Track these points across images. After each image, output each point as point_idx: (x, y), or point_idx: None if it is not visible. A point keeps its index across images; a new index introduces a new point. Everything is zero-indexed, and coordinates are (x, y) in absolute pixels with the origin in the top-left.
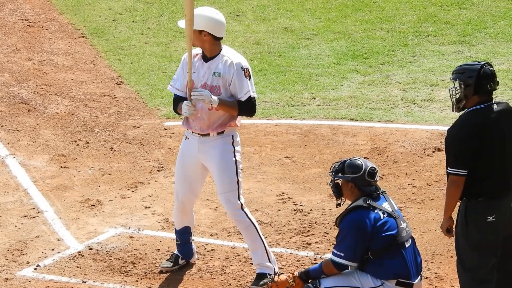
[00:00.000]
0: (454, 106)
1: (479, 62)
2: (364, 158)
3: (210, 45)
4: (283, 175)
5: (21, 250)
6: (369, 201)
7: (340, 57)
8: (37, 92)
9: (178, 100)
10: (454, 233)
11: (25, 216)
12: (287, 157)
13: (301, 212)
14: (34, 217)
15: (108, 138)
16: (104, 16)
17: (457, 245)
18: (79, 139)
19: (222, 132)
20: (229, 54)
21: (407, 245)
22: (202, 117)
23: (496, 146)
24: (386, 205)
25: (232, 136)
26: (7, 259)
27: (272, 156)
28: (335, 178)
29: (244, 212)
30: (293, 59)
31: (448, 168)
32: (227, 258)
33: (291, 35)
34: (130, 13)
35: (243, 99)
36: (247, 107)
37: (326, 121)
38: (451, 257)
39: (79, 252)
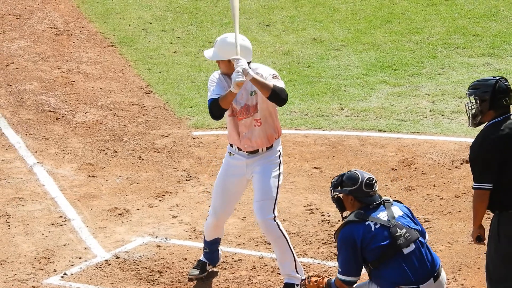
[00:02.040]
0: (470, 121)
1: (494, 77)
2: (392, 169)
3: None
4: (311, 186)
5: (48, 258)
6: (360, 213)
7: (369, 68)
8: (66, 101)
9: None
10: (486, 245)
11: (52, 225)
12: (315, 167)
13: (328, 222)
14: (61, 225)
15: (136, 147)
16: (133, 25)
17: (488, 258)
18: (107, 148)
19: (271, 146)
20: (258, 69)
21: (406, 252)
22: (249, 136)
23: None
24: (382, 215)
25: (279, 149)
26: (34, 267)
27: (300, 166)
28: (335, 193)
29: (277, 223)
30: (322, 70)
31: (474, 184)
32: (254, 268)
33: (320, 45)
34: (160, 22)
35: (273, 82)
36: (278, 87)
37: (355, 132)
38: (478, 268)
39: (106, 260)
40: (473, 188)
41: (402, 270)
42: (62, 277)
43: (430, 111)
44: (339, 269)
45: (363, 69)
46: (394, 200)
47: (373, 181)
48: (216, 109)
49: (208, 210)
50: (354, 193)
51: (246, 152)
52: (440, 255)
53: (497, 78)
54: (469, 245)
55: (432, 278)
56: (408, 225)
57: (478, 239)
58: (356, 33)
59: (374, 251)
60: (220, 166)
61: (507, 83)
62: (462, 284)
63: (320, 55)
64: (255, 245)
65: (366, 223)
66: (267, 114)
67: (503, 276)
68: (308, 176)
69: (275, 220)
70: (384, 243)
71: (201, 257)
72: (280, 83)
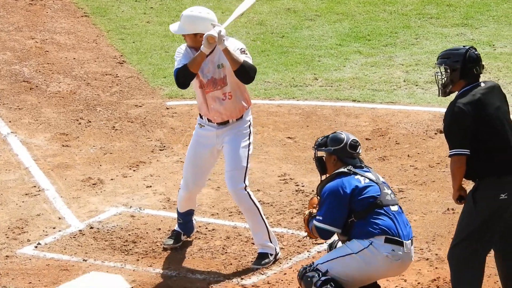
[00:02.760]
0: (440, 91)
1: (464, 46)
2: (366, 139)
3: None
4: (285, 156)
5: (22, 228)
6: (349, 167)
7: (343, 39)
8: (39, 71)
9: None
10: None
11: (26, 194)
12: (289, 137)
13: (302, 192)
14: (35, 195)
15: (110, 117)
16: None
17: (458, 224)
18: (81, 118)
19: (241, 117)
20: (228, 41)
21: (393, 209)
22: (218, 109)
23: (493, 122)
24: (369, 174)
25: (249, 119)
26: (8, 237)
27: (274, 136)
28: (318, 152)
29: (248, 192)
30: (295, 40)
31: (449, 151)
32: (228, 238)
33: (294, 16)
34: None
35: (242, 57)
36: (248, 64)
37: (329, 102)
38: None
39: (80, 230)
40: (449, 155)
41: (391, 221)
42: (36, 246)
43: (404, 81)
44: (319, 218)
45: (337, 39)
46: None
47: (357, 143)
48: (183, 75)
49: (181, 181)
50: (338, 153)
51: (216, 123)
52: (414, 225)
53: (468, 47)
54: (443, 215)
55: (410, 240)
56: (391, 189)
57: (460, 199)
58: (330, 3)
59: (364, 201)
60: None
61: (477, 52)
62: (436, 254)
63: (294, 25)
64: (229, 215)
65: (356, 176)
66: (236, 87)
67: (465, 237)
68: (282, 146)
69: (246, 190)
70: (375, 194)
71: (175, 227)
72: (249, 59)
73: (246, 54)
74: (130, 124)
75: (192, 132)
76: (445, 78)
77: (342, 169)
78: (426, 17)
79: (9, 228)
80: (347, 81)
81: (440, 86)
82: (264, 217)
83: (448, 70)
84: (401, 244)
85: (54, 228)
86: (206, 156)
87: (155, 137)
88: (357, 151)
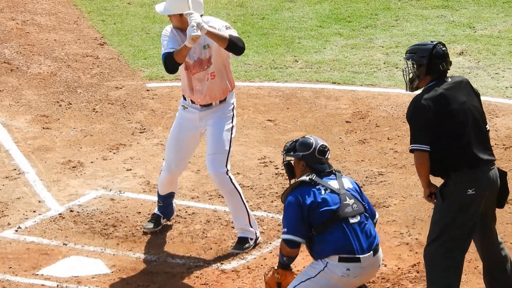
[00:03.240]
0: (407, 86)
1: (432, 42)
2: (347, 122)
3: None
4: (265, 139)
5: (2, 211)
6: (312, 176)
7: (323, 20)
8: (20, 52)
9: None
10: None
11: (6, 177)
12: (269, 120)
13: (282, 176)
14: (15, 178)
15: (91, 99)
16: None
17: (431, 222)
18: (61, 100)
19: (224, 99)
20: (210, 22)
21: (352, 221)
22: (202, 90)
23: (458, 117)
24: (332, 183)
25: (233, 102)
26: None
27: (254, 119)
28: (288, 157)
29: (229, 177)
30: (276, 22)
31: (410, 146)
32: (208, 222)
33: None
34: None
35: (227, 33)
36: (234, 37)
37: (309, 84)
38: None
39: (60, 214)
40: (409, 150)
41: (346, 237)
42: (16, 230)
43: (384, 63)
44: (285, 229)
45: (317, 21)
46: (345, 176)
47: (326, 149)
48: (170, 63)
49: (162, 164)
50: (307, 159)
51: (200, 105)
52: (394, 209)
53: (435, 43)
54: (423, 199)
55: (372, 252)
56: (355, 197)
57: (431, 196)
58: None
59: (322, 214)
60: (174, 118)
61: (444, 48)
62: (417, 238)
63: (274, 6)
64: (209, 199)
65: (317, 186)
66: (221, 67)
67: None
68: (262, 128)
69: (227, 174)
70: (333, 207)
71: (155, 211)
72: (234, 33)
73: (231, 29)
74: (111, 106)
75: (172, 114)
76: (412, 73)
77: (303, 178)
78: None
79: None
80: (327, 63)
81: (407, 81)
82: (245, 201)
83: (415, 65)
84: (357, 260)
85: (34, 211)
86: (189, 138)
87: (135, 119)
88: (326, 156)
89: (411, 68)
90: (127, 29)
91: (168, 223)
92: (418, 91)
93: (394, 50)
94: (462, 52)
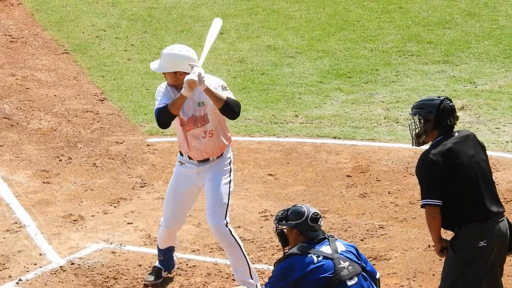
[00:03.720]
0: (414, 141)
1: (438, 97)
2: (347, 176)
3: None
4: (266, 193)
5: (3, 264)
6: (304, 247)
7: (323, 76)
8: (20, 108)
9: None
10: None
11: (7, 231)
12: (270, 174)
13: None
14: (16, 231)
15: (91, 154)
16: (87, 33)
17: (442, 273)
18: (61, 155)
19: (221, 154)
20: (207, 80)
21: (350, 283)
22: (199, 147)
23: (467, 171)
24: (325, 248)
25: (230, 156)
26: None
27: (255, 173)
28: (280, 226)
29: (229, 229)
30: (276, 77)
31: (422, 201)
32: (209, 274)
33: (274, 53)
34: (114, 30)
35: (225, 94)
36: (232, 100)
37: (309, 139)
38: (433, 275)
39: (61, 267)
40: (421, 206)
41: None
42: (17, 283)
43: (385, 118)
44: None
45: (317, 77)
46: (339, 239)
47: (318, 216)
48: (164, 116)
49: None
50: (299, 227)
51: (197, 160)
52: (395, 262)
53: (442, 98)
54: (424, 251)
55: None
56: (350, 259)
57: (443, 251)
58: (310, 41)
59: (317, 281)
60: None
61: (451, 103)
62: None
63: (274, 62)
64: (210, 252)
65: (309, 255)
66: (217, 124)
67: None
68: (262, 183)
69: (227, 226)
70: (327, 274)
71: (156, 264)
72: (231, 95)
73: (227, 90)
74: (111, 161)
75: (172, 168)
76: (419, 128)
77: (294, 250)
78: (407, 54)
79: None
80: (328, 118)
81: (413, 136)
82: (245, 253)
83: (422, 121)
84: None
85: (35, 264)
86: (186, 193)
87: (136, 173)
88: (319, 223)
89: (418, 123)
90: (127, 84)
91: (169, 275)
92: (425, 146)
93: (394, 105)
94: (463, 107)
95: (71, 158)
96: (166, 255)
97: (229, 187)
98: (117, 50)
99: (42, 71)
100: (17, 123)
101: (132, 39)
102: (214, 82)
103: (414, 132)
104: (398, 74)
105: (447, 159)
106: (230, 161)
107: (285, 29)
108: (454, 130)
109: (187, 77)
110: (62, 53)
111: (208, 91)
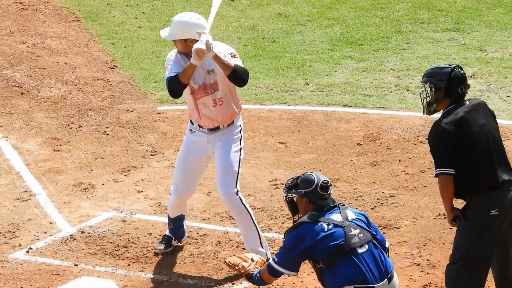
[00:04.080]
0: (425, 109)
1: (449, 65)
2: (358, 144)
3: None
4: (276, 161)
5: (14, 232)
6: (313, 214)
7: (334, 44)
8: (31, 76)
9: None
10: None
11: (17, 199)
12: (280, 142)
13: None
14: (26, 200)
15: (101, 122)
16: (98, 0)
17: (454, 242)
18: (72, 123)
19: (232, 122)
20: (216, 47)
21: (360, 251)
22: (209, 115)
23: (479, 140)
24: (335, 216)
25: (240, 124)
26: None
27: (265, 141)
28: (289, 194)
29: (239, 197)
30: (287, 45)
31: (435, 170)
32: (219, 243)
33: (285, 21)
34: None
35: (233, 62)
36: (240, 67)
37: (320, 107)
38: (443, 244)
39: (71, 235)
40: (435, 175)
41: (357, 268)
42: (28, 251)
43: (395, 86)
44: (276, 259)
45: (328, 44)
46: (349, 208)
47: (328, 184)
48: (175, 86)
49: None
50: (309, 195)
51: (207, 129)
52: (405, 230)
53: (453, 66)
54: (435, 220)
55: (386, 279)
56: (361, 226)
57: (455, 219)
58: (321, 8)
59: (327, 249)
60: None
61: (462, 71)
62: (428, 259)
63: (285, 30)
64: (220, 220)
65: (319, 223)
66: (227, 91)
67: (460, 255)
68: (273, 151)
69: (237, 195)
70: (338, 241)
71: (167, 232)
72: (240, 62)
73: (237, 57)
74: (121, 129)
75: (183, 137)
76: (430, 97)
77: (304, 219)
78: (418, 22)
79: (0, 232)
80: (338, 86)
81: (424, 104)
82: (255, 222)
83: (433, 89)
84: None
85: (45, 233)
86: (196, 161)
87: (146, 142)
88: (329, 191)
89: (429, 91)
90: (137, 52)
91: (179, 244)
92: (436, 115)
93: (405, 73)
94: (473, 75)
95: (81, 126)
96: (176, 223)
97: (240, 155)
98: (128, 17)
99: (53, 38)
100: (28, 91)
101: (143, 6)
102: (223, 50)
103: (425, 101)
104: (409, 42)
105: (459, 128)
106: (241, 129)
107: None
108: (465, 99)
109: (195, 46)
110: (73, 20)
111: (216, 57)
